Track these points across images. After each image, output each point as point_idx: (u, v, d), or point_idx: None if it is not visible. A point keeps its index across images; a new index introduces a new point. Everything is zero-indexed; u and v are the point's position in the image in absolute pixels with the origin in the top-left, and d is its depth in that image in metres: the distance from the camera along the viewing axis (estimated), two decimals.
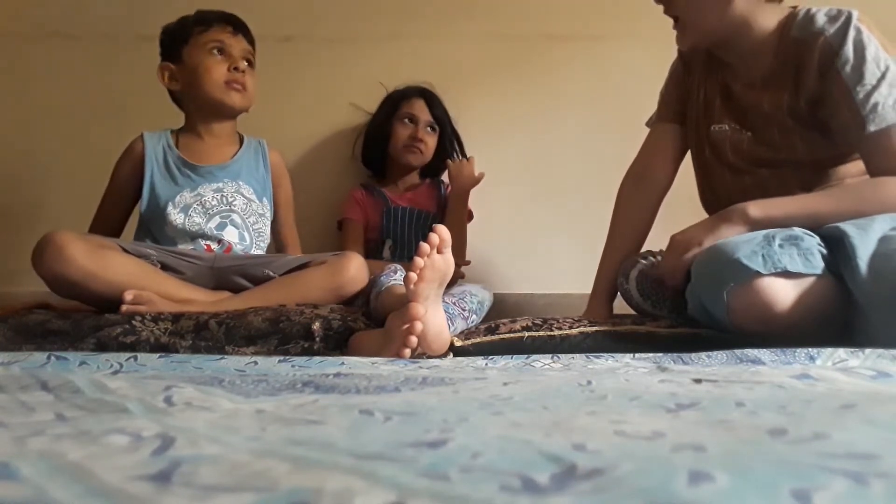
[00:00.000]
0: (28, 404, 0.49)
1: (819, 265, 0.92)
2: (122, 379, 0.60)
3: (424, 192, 1.74)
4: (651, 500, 0.26)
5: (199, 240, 1.34)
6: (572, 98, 1.84)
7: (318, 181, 1.79)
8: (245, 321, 1.03)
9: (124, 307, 1.08)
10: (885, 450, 0.33)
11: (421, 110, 1.69)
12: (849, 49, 1.02)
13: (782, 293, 0.90)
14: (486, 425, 0.40)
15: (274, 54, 1.76)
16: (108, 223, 1.40)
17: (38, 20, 1.81)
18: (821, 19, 1.06)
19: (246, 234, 1.39)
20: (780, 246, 0.92)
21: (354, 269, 1.21)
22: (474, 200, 1.75)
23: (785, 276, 0.90)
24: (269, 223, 1.46)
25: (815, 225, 0.99)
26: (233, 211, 1.38)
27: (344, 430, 0.39)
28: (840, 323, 0.94)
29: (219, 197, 1.38)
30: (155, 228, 1.36)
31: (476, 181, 1.69)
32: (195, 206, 1.35)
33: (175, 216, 1.34)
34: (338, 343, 1.01)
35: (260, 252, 1.41)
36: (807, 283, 0.91)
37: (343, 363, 0.80)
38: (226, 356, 0.91)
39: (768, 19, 1.10)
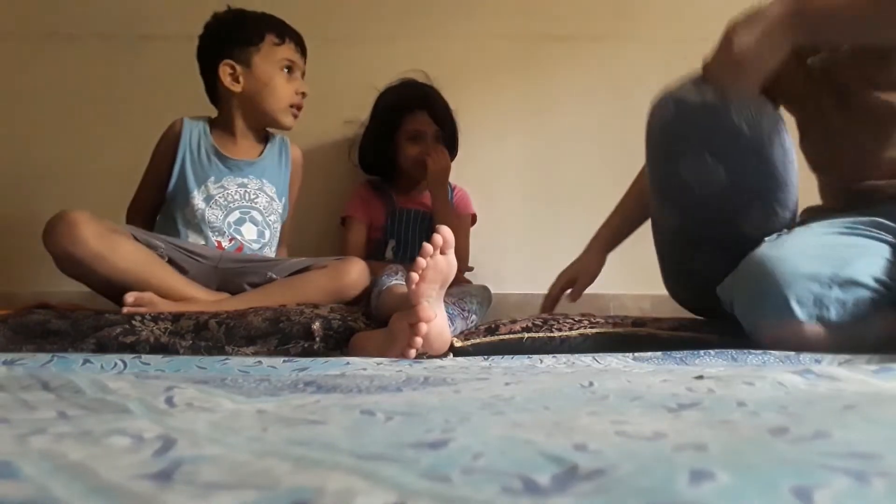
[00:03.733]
0: (29, 404, 0.49)
1: (866, 313, 0.89)
2: (123, 379, 0.60)
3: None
4: (652, 500, 0.26)
5: (213, 235, 1.34)
6: (572, 98, 1.84)
7: (318, 181, 1.78)
8: (245, 321, 1.03)
9: (125, 309, 1.08)
10: (887, 448, 0.33)
11: (427, 124, 1.63)
12: None
13: (818, 339, 0.88)
14: (488, 426, 0.40)
15: None
16: (145, 204, 1.41)
17: (38, 20, 1.81)
18: None
19: (266, 232, 1.40)
20: (838, 292, 0.87)
21: (356, 275, 1.22)
22: (475, 200, 1.75)
23: (825, 322, 0.88)
24: (282, 222, 1.47)
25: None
26: (254, 207, 1.39)
27: (345, 430, 0.39)
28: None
29: (242, 192, 1.38)
30: (176, 211, 1.36)
31: (445, 171, 1.61)
32: (217, 197, 1.36)
33: (198, 203, 1.34)
34: (338, 343, 1.01)
35: (269, 251, 1.42)
36: (847, 328, 0.89)
37: (347, 363, 0.80)
38: (229, 357, 0.91)
39: None
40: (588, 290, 1.36)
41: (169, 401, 0.49)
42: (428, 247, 0.87)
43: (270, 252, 1.43)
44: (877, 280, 0.91)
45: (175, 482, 0.28)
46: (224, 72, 1.38)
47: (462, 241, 1.61)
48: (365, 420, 0.42)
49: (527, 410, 0.46)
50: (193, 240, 1.33)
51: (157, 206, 1.40)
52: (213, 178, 1.37)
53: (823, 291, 0.88)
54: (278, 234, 1.46)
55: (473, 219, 1.74)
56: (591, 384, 0.59)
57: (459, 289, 1.39)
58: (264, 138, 1.48)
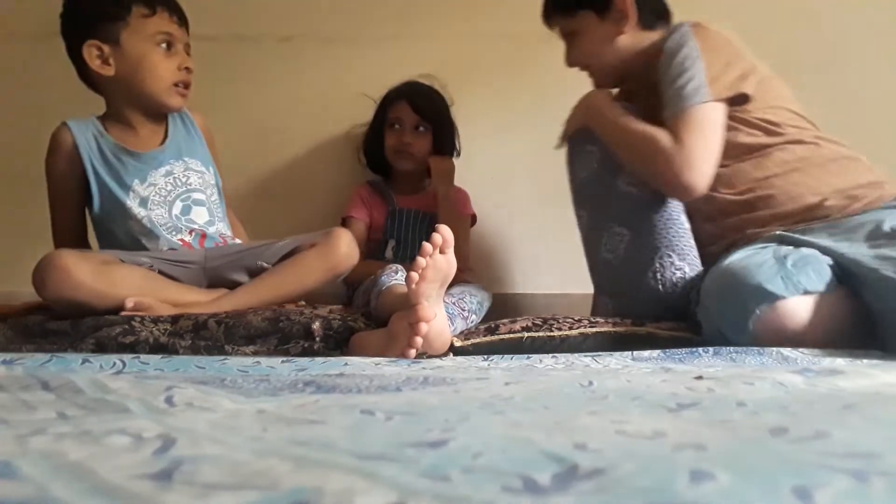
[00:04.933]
0: (29, 404, 0.49)
1: (832, 280, 0.93)
2: (122, 379, 0.60)
3: (432, 193, 1.73)
4: (652, 499, 0.26)
5: (173, 235, 1.26)
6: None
7: (319, 181, 1.79)
8: (244, 321, 1.03)
9: (123, 313, 1.08)
10: (886, 448, 0.33)
11: (405, 113, 1.65)
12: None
13: (806, 314, 0.91)
14: (488, 425, 0.40)
15: (274, 54, 1.76)
16: (68, 228, 1.30)
17: (38, 20, 1.81)
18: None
19: (213, 208, 1.33)
20: (794, 266, 0.92)
21: (346, 246, 1.20)
22: (475, 200, 1.75)
23: (805, 295, 0.91)
24: (219, 191, 1.38)
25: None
26: (191, 189, 1.29)
27: (345, 430, 0.39)
28: (862, 335, 0.93)
29: (172, 180, 1.28)
30: (117, 227, 1.26)
31: (449, 173, 1.66)
32: (151, 196, 1.25)
33: (138, 210, 1.24)
34: (338, 343, 1.01)
35: (223, 224, 1.35)
36: (827, 299, 0.92)
37: (346, 363, 0.80)
38: (227, 357, 0.91)
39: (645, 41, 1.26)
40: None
41: (169, 400, 0.49)
42: (427, 246, 0.87)
43: (224, 224, 1.35)
44: (821, 248, 0.96)
45: (175, 482, 0.28)
46: (90, 54, 1.23)
47: (462, 242, 1.61)
48: (365, 420, 0.42)
49: (527, 410, 0.46)
50: (153, 248, 1.24)
51: (83, 225, 1.31)
52: (137, 181, 1.25)
53: (783, 269, 0.92)
54: (221, 206, 1.36)
55: (473, 219, 1.75)
56: (590, 384, 0.59)
57: (459, 289, 1.39)
58: (163, 117, 1.34)
